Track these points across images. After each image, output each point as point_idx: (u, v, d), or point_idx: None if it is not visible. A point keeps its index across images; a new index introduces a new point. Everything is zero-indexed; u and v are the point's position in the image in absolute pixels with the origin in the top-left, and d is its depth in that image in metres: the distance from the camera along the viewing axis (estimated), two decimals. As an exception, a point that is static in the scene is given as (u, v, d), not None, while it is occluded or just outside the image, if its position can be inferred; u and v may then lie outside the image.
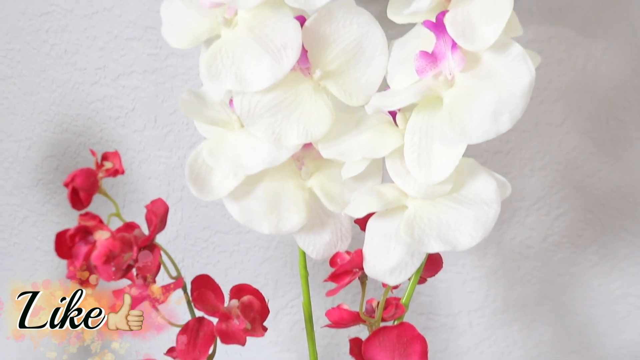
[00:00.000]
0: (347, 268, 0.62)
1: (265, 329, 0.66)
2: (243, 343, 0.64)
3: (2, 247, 0.92)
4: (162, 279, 0.65)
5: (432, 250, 0.58)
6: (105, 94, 0.85)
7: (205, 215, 0.85)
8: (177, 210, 0.85)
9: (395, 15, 0.63)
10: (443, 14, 0.59)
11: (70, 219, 0.87)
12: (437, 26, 0.59)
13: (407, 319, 0.72)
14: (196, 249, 0.85)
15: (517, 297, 0.78)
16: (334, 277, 0.63)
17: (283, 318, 0.85)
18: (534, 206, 0.76)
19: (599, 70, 0.72)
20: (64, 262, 0.86)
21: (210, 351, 0.65)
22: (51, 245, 0.89)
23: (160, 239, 0.64)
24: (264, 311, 0.67)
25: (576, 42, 0.72)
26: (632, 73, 0.72)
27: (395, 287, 0.65)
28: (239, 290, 0.67)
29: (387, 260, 0.61)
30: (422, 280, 0.68)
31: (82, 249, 0.63)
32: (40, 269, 0.91)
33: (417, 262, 0.61)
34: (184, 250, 0.85)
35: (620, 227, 0.75)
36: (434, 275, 0.67)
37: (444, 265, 0.69)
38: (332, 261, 0.64)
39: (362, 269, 0.62)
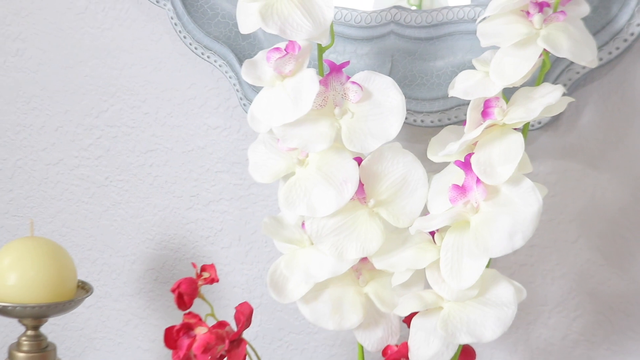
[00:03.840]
0: (396, 357, 0.77)
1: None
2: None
3: (108, 346, 1.08)
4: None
5: (463, 342, 0.73)
6: (197, 217, 1.02)
7: (280, 319, 1.00)
8: (257, 314, 1.00)
9: (433, 156, 0.79)
10: (470, 155, 0.75)
11: (166, 322, 1.03)
12: (465, 165, 0.75)
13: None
14: (272, 347, 1.00)
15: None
16: (385, 365, 0.78)
17: None
18: (554, 309, 0.90)
19: (605, 197, 0.87)
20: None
21: None
22: (150, 344, 1.05)
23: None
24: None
25: (586, 174, 0.87)
26: (633, 199, 0.86)
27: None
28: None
29: (427, 351, 0.75)
30: (458, 370, 0.82)
31: (185, 341, 0.79)
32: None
33: (452, 351, 0.75)
34: (263, 348, 1.00)
35: (627, 327, 0.88)
36: (469, 366, 0.82)
37: (482, 361, 0.84)
38: (384, 352, 0.79)
39: (407, 358, 0.77)
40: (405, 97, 0.80)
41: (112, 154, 1.04)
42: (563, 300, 0.90)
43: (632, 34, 0.81)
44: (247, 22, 0.78)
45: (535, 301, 0.90)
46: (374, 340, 0.80)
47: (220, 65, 0.94)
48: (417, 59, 0.89)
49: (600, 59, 0.82)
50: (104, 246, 1.06)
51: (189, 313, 0.79)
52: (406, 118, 0.88)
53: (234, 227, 1.00)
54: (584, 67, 0.82)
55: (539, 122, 0.86)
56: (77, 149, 1.05)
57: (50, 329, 1.07)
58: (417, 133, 0.90)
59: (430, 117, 0.88)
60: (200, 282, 0.80)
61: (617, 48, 0.82)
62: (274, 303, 0.99)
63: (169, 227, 1.03)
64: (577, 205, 0.88)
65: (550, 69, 0.82)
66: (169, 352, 1.03)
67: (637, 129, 0.85)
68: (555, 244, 0.89)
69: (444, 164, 0.79)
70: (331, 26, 0.77)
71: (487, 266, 0.75)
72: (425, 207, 0.78)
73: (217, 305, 0.98)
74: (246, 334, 0.88)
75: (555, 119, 0.86)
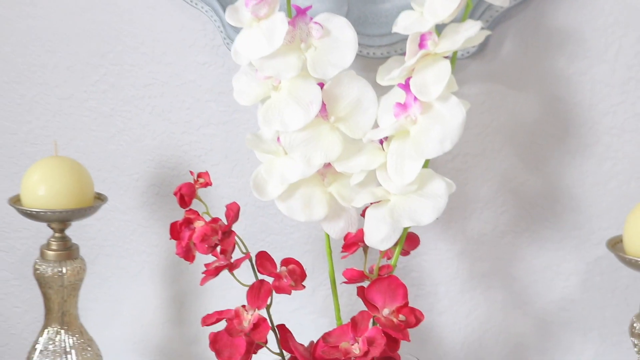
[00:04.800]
0: (353, 240, 0.97)
1: (304, 287, 1.00)
2: (289, 293, 0.98)
3: (117, 252, 1.27)
4: (236, 255, 1.00)
5: (405, 225, 0.93)
6: (190, 140, 1.20)
7: (262, 223, 1.20)
8: (242, 220, 1.19)
9: (381, 81, 0.98)
10: (409, 79, 0.94)
11: (166, 230, 1.22)
12: (406, 87, 0.94)
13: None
14: (257, 246, 1.20)
15: (477, 271, 1.11)
16: (346, 247, 0.97)
17: (318, 293, 1.19)
18: (485, 206, 1.10)
19: (523, 112, 1.06)
20: (162, 262, 1.21)
21: (269, 302, 0.99)
22: (153, 249, 1.24)
23: (235, 226, 0.99)
24: (303, 275, 1.00)
25: (507, 94, 1.06)
26: (545, 114, 1.05)
27: (388, 256, 0.99)
28: (286, 262, 1.01)
29: (378, 235, 0.95)
30: (406, 252, 1.02)
31: (187, 232, 0.98)
32: (145, 267, 1.26)
33: (397, 234, 0.94)
34: (248, 247, 1.20)
35: (544, 218, 1.08)
36: (414, 249, 1.01)
37: (427, 249, 1.03)
38: (345, 238, 0.98)
39: (363, 241, 0.97)
40: (360, 34, 0.99)
41: (116, 89, 1.22)
42: (491, 198, 1.09)
43: (539, -21, 1.01)
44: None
45: (470, 200, 1.10)
46: (337, 229, 0.99)
47: (206, 11, 1.12)
48: (369, 2, 1.08)
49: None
50: (112, 167, 1.24)
51: (189, 210, 0.99)
52: (360, 51, 1.08)
53: (221, 147, 1.19)
54: (500, 7, 1.02)
55: (467, 52, 1.05)
56: (86, 85, 1.23)
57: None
58: (369, 64, 1.08)
59: (380, 50, 1.08)
60: (197, 186, 1.00)
61: (528, -10, 1.01)
62: (256, 210, 1.18)
63: (167, 149, 1.22)
64: (501, 120, 1.07)
65: (473, 8, 1.01)
66: (169, 256, 1.24)
67: (548, 56, 1.04)
68: (484, 153, 1.09)
69: (390, 87, 0.98)
70: (297, -23, 0.96)
71: (425, 166, 0.95)
72: (376, 122, 0.97)
73: (211, 208, 1.17)
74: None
75: (481, 49, 1.05)
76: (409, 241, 1.02)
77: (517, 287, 1.10)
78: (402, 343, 1.13)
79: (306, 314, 1.19)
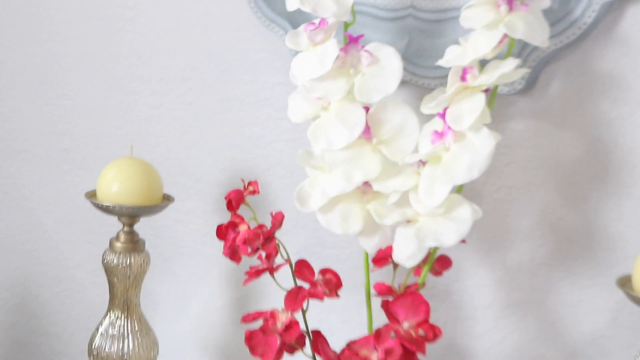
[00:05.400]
0: (382, 256, 1.03)
1: (338, 295, 1.07)
2: (322, 299, 1.05)
3: (191, 252, 1.36)
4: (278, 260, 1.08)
5: (429, 246, 0.99)
6: (261, 154, 1.29)
7: (319, 237, 1.27)
8: (301, 234, 1.27)
9: (424, 109, 1.04)
10: (446, 109, 1.00)
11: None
12: (442, 116, 1.00)
13: (442, 311, 1.12)
14: (312, 258, 1.27)
15: (514, 300, 1.15)
16: (375, 262, 1.04)
17: (349, 292, 1.23)
18: (525, 238, 1.14)
19: (566, 150, 1.10)
20: (229, 265, 1.29)
21: (304, 306, 1.06)
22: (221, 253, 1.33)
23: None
24: (339, 284, 1.07)
25: (552, 132, 1.11)
26: (586, 153, 1.09)
27: (417, 274, 1.05)
28: (324, 271, 1.09)
29: (405, 252, 1.01)
30: (437, 272, 1.08)
31: (232, 234, 1.07)
32: (214, 269, 1.36)
33: (423, 253, 1.00)
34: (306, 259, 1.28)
35: (578, 254, 1.11)
36: (446, 269, 1.07)
37: (468, 275, 1.09)
38: (377, 253, 1.05)
39: (391, 257, 1.03)
40: (417, 65, 1.08)
41: (200, 101, 1.32)
42: (531, 231, 1.14)
43: (584, 23, 1.05)
44: (291, 1, 1.05)
45: (511, 231, 1.15)
46: (372, 245, 1.05)
47: (280, 35, 1.21)
48: (428, 37, 1.14)
49: (561, 42, 1.06)
50: (191, 173, 1.34)
51: (235, 214, 1.07)
52: (416, 82, 1.15)
53: (288, 162, 1.27)
54: (547, 47, 1.07)
55: (514, 89, 1.10)
56: (174, 96, 1.34)
57: (148, 237, 1.36)
58: (424, 93, 1.14)
59: (434, 82, 1.14)
60: (245, 193, 1.08)
61: (574, 34, 1.06)
62: (314, 223, 1.25)
63: (239, 161, 1.31)
64: (544, 156, 1.12)
65: (522, 48, 1.07)
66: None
67: (592, 99, 1.09)
68: (526, 186, 1.13)
69: (434, 116, 1.04)
70: (352, 7, 1.03)
71: (458, 192, 1.01)
72: (417, 147, 1.04)
73: (260, 213, 1.24)
74: (293, 248, 1.13)
75: (530, 87, 1.10)
76: (441, 262, 1.07)
77: (550, 319, 1.14)
78: (435, 361, 1.19)
79: (344, 323, 1.25)
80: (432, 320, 1.00)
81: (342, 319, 1.25)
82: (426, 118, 1.04)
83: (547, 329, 1.14)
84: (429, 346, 1.17)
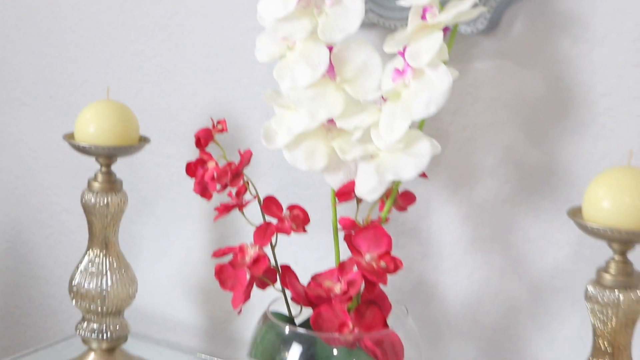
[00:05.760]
0: (345, 190, 1.06)
1: (305, 230, 1.11)
2: (289, 233, 1.09)
3: (172, 195, 1.40)
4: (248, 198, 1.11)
5: (389, 179, 1.02)
6: (238, 97, 1.33)
7: (294, 178, 1.30)
8: (277, 173, 1.31)
9: (386, 48, 1.07)
10: (406, 47, 1.03)
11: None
12: (403, 54, 1.03)
13: (411, 248, 1.16)
14: (288, 199, 1.30)
15: (479, 235, 1.18)
16: (339, 196, 1.07)
17: (321, 230, 1.27)
18: (489, 175, 1.17)
19: (529, 89, 1.13)
20: (210, 206, 1.32)
21: (273, 241, 1.10)
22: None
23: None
24: (306, 219, 1.10)
25: (516, 71, 1.13)
26: (549, 91, 1.12)
27: (381, 209, 1.08)
28: (292, 207, 1.12)
29: (366, 186, 1.04)
30: (401, 208, 1.11)
31: (200, 171, 1.11)
32: (194, 211, 1.39)
33: (383, 187, 1.03)
34: (281, 199, 1.31)
35: (542, 190, 1.14)
36: (409, 204, 1.10)
37: (436, 212, 1.12)
38: (341, 188, 1.08)
39: (354, 191, 1.06)
40: (383, 7, 1.10)
41: (178, 48, 1.35)
42: (496, 168, 1.16)
43: (544, -36, 1.08)
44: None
45: (476, 168, 1.18)
46: (337, 180, 1.08)
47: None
48: (392, -22, 1.17)
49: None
50: (171, 118, 1.38)
51: (204, 152, 1.10)
52: (383, 23, 1.17)
53: (264, 105, 1.30)
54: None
55: (477, 29, 1.12)
56: (155, 42, 1.37)
57: (130, 180, 1.40)
58: (391, 35, 1.18)
59: (400, 23, 1.16)
60: (214, 131, 1.11)
61: (535, -26, 1.09)
62: (289, 165, 1.29)
63: (218, 105, 1.34)
64: (508, 95, 1.14)
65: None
66: (214, 201, 1.36)
67: (553, 38, 1.11)
68: (491, 125, 1.16)
69: (393, 54, 1.07)
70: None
71: (420, 128, 1.04)
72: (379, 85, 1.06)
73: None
74: (269, 189, 1.17)
75: (493, 27, 1.13)
76: (405, 197, 1.10)
77: (514, 254, 1.17)
78: (405, 296, 1.23)
79: (310, 251, 1.29)
80: (401, 257, 1.03)
81: (315, 257, 1.28)
82: (390, 59, 1.06)
83: (512, 264, 1.17)
84: (398, 283, 1.22)
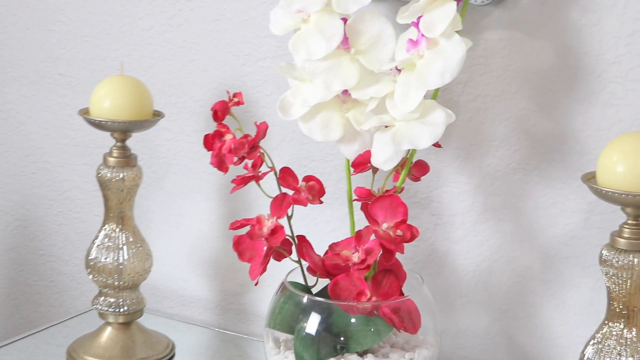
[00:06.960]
0: (361, 160, 1.08)
1: (321, 202, 1.12)
2: (305, 205, 1.10)
3: (183, 170, 1.41)
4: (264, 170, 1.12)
5: (405, 148, 1.04)
6: (249, 71, 1.34)
7: (306, 151, 1.32)
8: (289, 147, 1.32)
9: (400, 19, 1.09)
10: (419, 18, 1.05)
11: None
12: (416, 25, 1.05)
13: (423, 218, 1.17)
14: (300, 171, 1.32)
15: (490, 204, 1.20)
16: (355, 166, 1.09)
17: (334, 202, 1.29)
18: (500, 144, 1.19)
19: (539, 59, 1.14)
20: (220, 181, 1.34)
21: (289, 213, 1.11)
22: (213, 169, 1.38)
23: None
24: (322, 191, 1.12)
25: (525, 41, 1.15)
26: (559, 61, 1.14)
27: (396, 179, 1.10)
28: (308, 178, 1.13)
29: (382, 156, 1.05)
30: (416, 178, 1.13)
31: (218, 144, 1.12)
32: (205, 185, 1.41)
33: (399, 156, 1.05)
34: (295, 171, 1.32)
35: (552, 157, 1.16)
36: (423, 175, 1.12)
37: (447, 181, 1.14)
38: (357, 158, 1.10)
39: (370, 161, 1.08)
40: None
41: (189, 23, 1.37)
42: (506, 137, 1.18)
43: None
44: None
45: (487, 138, 1.19)
46: (352, 151, 1.10)
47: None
48: (405, -48, 1.18)
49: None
50: (182, 93, 1.39)
51: (221, 124, 1.12)
52: (395, -4, 1.19)
53: (275, 79, 1.32)
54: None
55: (488, 0, 1.14)
56: (164, 19, 1.38)
57: (141, 157, 1.41)
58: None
59: (411, -5, 1.18)
60: (230, 104, 1.13)
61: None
62: (302, 138, 1.30)
63: (229, 79, 1.35)
64: (518, 65, 1.16)
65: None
66: (225, 176, 1.38)
67: (563, 7, 1.13)
68: (502, 94, 1.17)
69: (407, 25, 1.08)
70: None
71: (434, 98, 1.06)
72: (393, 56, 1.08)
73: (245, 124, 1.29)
74: (282, 162, 1.18)
75: (503, -1, 1.15)
76: (418, 167, 1.12)
77: (525, 222, 1.19)
78: (418, 265, 1.25)
79: (326, 222, 1.31)
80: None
81: (329, 229, 1.30)
82: (403, 30, 1.08)
83: (523, 232, 1.19)
84: (411, 252, 1.24)
